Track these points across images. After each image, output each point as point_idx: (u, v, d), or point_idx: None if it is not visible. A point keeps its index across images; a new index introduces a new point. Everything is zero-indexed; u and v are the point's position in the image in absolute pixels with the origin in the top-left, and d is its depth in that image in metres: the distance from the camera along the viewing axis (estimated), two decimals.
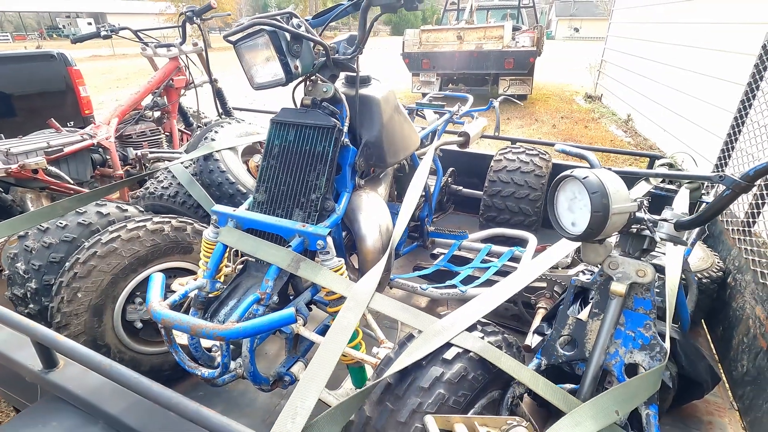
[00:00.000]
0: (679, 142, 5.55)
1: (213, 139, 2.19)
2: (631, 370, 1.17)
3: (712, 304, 2.20)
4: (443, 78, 9.67)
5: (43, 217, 1.69)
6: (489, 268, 2.04)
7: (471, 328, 1.19)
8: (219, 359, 1.31)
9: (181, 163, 2.18)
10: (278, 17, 1.30)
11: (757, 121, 2.27)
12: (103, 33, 2.81)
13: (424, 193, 2.38)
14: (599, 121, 8.28)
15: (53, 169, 2.20)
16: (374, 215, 1.50)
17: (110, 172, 2.57)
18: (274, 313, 1.11)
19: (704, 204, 2.03)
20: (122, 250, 1.58)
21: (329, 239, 1.31)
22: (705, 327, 2.27)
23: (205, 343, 1.32)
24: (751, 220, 2.06)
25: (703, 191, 2.06)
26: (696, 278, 2.06)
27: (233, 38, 1.33)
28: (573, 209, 1.04)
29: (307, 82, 1.51)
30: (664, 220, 1.05)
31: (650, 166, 2.83)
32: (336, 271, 1.32)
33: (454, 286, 1.94)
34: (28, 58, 3.89)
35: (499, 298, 1.30)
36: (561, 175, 1.06)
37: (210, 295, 1.38)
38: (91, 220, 1.81)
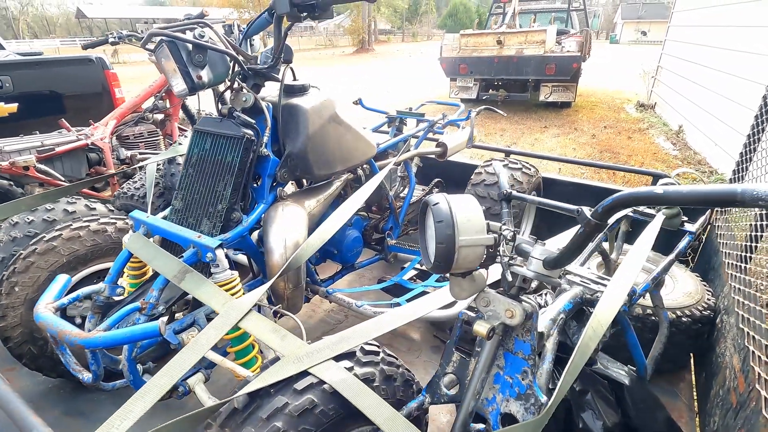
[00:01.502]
0: (731, 159, 4.99)
1: (180, 143, 2.26)
2: (508, 419, 1.04)
3: (700, 346, 1.93)
4: (481, 83, 9.41)
5: (5, 212, 1.83)
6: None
7: (342, 357, 1.12)
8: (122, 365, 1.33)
9: (157, 164, 2.27)
10: (188, 25, 1.31)
11: None
12: (111, 39, 3.00)
13: (388, 206, 2.32)
14: (647, 132, 7.65)
15: (42, 166, 2.38)
16: (283, 229, 1.46)
17: (105, 171, 2.74)
18: (139, 325, 1.10)
19: (687, 234, 1.79)
20: (61, 248, 1.66)
21: (220, 252, 1.30)
22: (693, 372, 2.00)
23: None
24: (747, 255, 1.79)
25: (684, 218, 1.82)
26: (675, 315, 1.82)
27: (148, 47, 1.36)
28: (432, 237, 0.94)
29: (231, 91, 1.51)
30: (534, 257, 0.92)
31: (653, 184, 2.54)
32: (225, 285, 1.30)
33: (398, 305, 1.85)
34: (70, 61, 4.26)
35: (393, 322, 1.21)
36: (425, 200, 0.97)
37: (114, 299, 1.41)
38: (56, 216, 1.94)
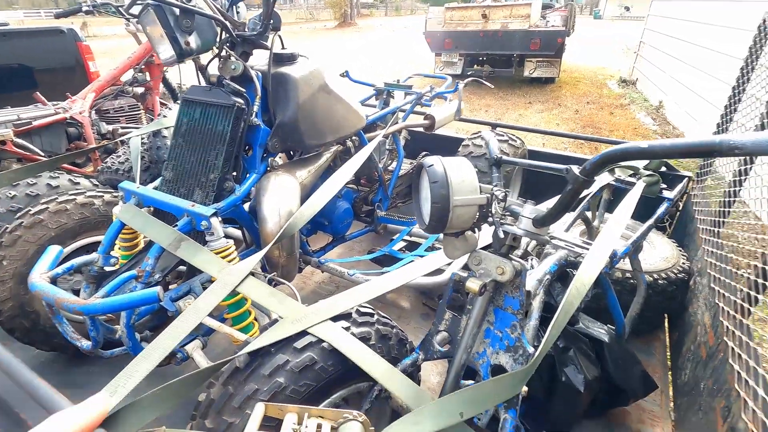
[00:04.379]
0: (709, 133, 5.13)
1: (165, 116, 2.22)
2: (498, 371, 1.10)
3: (675, 308, 2.05)
4: (466, 59, 9.34)
5: None
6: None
7: (339, 317, 1.16)
8: (120, 332, 1.34)
9: (141, 137, 2.23)
10: None
11: (753, 95, 2.05)
12: (84, 8, 2.87)
13: (378, 177, 2.34)
14: (628, 107, 7.76)
15: (20, 140, 2.31)
16: (277, 198, 1.48)
17: (85, 145, 2.67)
18: (138, 291, 1.12)
19: (665, 200, 1.87)
20: (49, 221, 1.64)
21: (215, 220, 1.31)
22: (667, 332, 2.12)
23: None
24: (719, 219, 1.88)
25: (663, 185, 1.90)
26: (652, 278, 1.91)
27: (133, 12, 1.32)
28: (427, 199, 0.98)
29: (219, 59, 1.48)
30: (524, 216, 0.96)
31: None
32: (221, 253, 1.31)
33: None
34: (40, 33, 4.04)
35: (385, 286, 1.26)
36: (420, 162, 0.99)
37: (107, 270, 1.41)
38: (39, 191, 1.90)
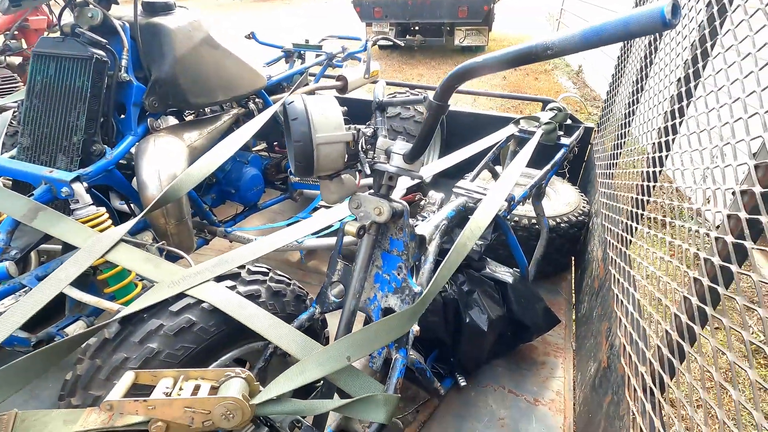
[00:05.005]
0: None
1: None
2: (389, 314, 1.11)
3: (577, 249, 2.18)
4: (397, 28, 9.22)
5: None
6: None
7: (224, 277, 1.10)
8: None
9: (13, 110, 1.96)
10: None
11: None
12: None
13: None
14: (551, 72, 8.10)
15: None
16: (157, 162, 1.36)
17: None
18: None
19: (563, 147, 1.96)
20: None
21: (78, 186, 1.18)
22: (573, 272, 2.26)
23: None
24: (612, 162, 2.00)
25: (561, 133, 1.98)
26: (555, 222, 2.02)
27: None
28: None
29: (74, 7, 1.31)
30: (394, 152, 0.95)
31: (543, 110, 2.73)
32: (90, 222, 1.19)
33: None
34: None
35: (271, 245, 1.21)
36: (283, 100, 0.94)
37: None
38: None
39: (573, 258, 2.27)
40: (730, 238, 0.74)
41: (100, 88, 1.27)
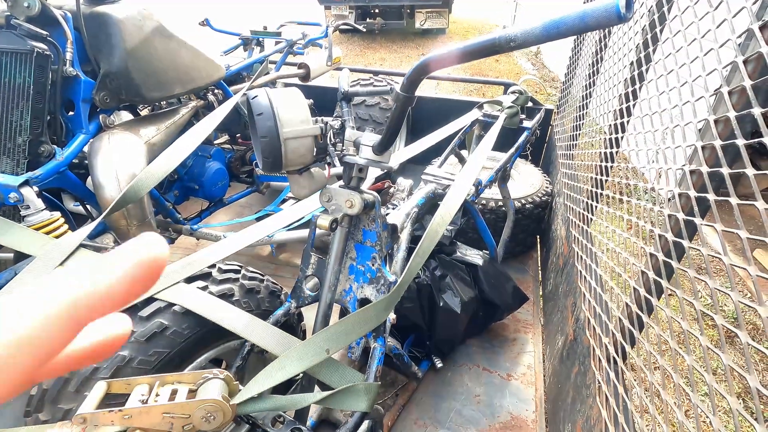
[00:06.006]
0: None
1: None
2: (365, 305, 1.12)
3: (543, 228, 2.27)
4: (357, 11, 9.04)
5: None
6: None
7: (195, 278, 1.07)
8: None
9: None
10: None
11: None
12: None
13: None
14: (511, 55, 8.22)
15: None
16: (114, 161, 1.29)
17: None
18: None
19: (526, 130, 2.01)
20: None
21: (27, 191, 1.11)
22: (539, 251, 2.35)
23: None
24: (571, 143, 2.08)
25: (523, 116, 2.03)
26: (521, 204, 2.08)
27: None
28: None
29: None
30: (363, 144, 0.95)
31: (505, 93, 2.78)
32: (44, 228, 1.12)
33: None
34: None
35: (242, 242, 1.18)
36: (246, 95, 0.91)
37: None
38: None
39: (538, 237, 2.36)
40: (681, 215, 0.79)
41: (44, 84, 1.19)
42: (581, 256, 1.45)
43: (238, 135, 2.21)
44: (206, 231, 1.77)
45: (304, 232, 1.86)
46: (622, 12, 0.47)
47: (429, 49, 8.53)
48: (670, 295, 1.02)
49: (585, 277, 1.36)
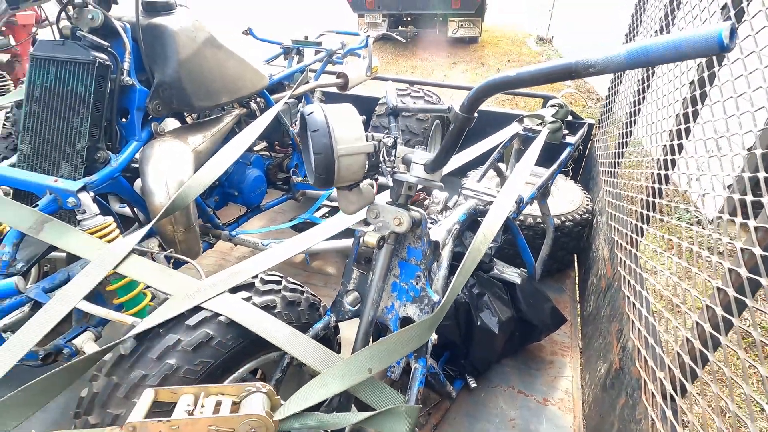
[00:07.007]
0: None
1: None
2: (407, 323, 1.10)
3: (582, 247, 2.19)
4: (390, 19, 9.11)
5: None
6: None
7: (239, 288, 1.08)
8: None
9: (5, 111, 1.91)
10: None
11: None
12: None
13: (291, 142, 2.22)
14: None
15: None
16: (164, 168, 1.32)
17: None
18: None
19: (568, 146, 1.95)
20: None
21: (84, 196, 1.14)
22: (576, 269, 2.28)
23: None
24: (616, 160, 2.01)
25: (566, 131, 1.97)
26: (560, 221, 2.02)
27: None
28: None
29: (72, 8, 1.26)
30: (415, 162, 0.93)
31: (543, 106, 2.72)
32: (98, 232, 1.16)
33: None
34: None
35: (286, 252, 1.19)
36: (301, 111, 0.91)
37: None
38: None
39: (575, 255, 2.29)
40: (758, 250, 0.74)
41: (103, 92, 1.23)
42: (629, 281, 1.38)
43: (276, 142, 2.24)
44: (244, 237, 1.79)
45: (339, 242, 1.86)
46: (726, 42, 0.44)
47: (460, 57, 8.49)
48: (742, 337, 0.95)
49: (633, 303, 1.29)
